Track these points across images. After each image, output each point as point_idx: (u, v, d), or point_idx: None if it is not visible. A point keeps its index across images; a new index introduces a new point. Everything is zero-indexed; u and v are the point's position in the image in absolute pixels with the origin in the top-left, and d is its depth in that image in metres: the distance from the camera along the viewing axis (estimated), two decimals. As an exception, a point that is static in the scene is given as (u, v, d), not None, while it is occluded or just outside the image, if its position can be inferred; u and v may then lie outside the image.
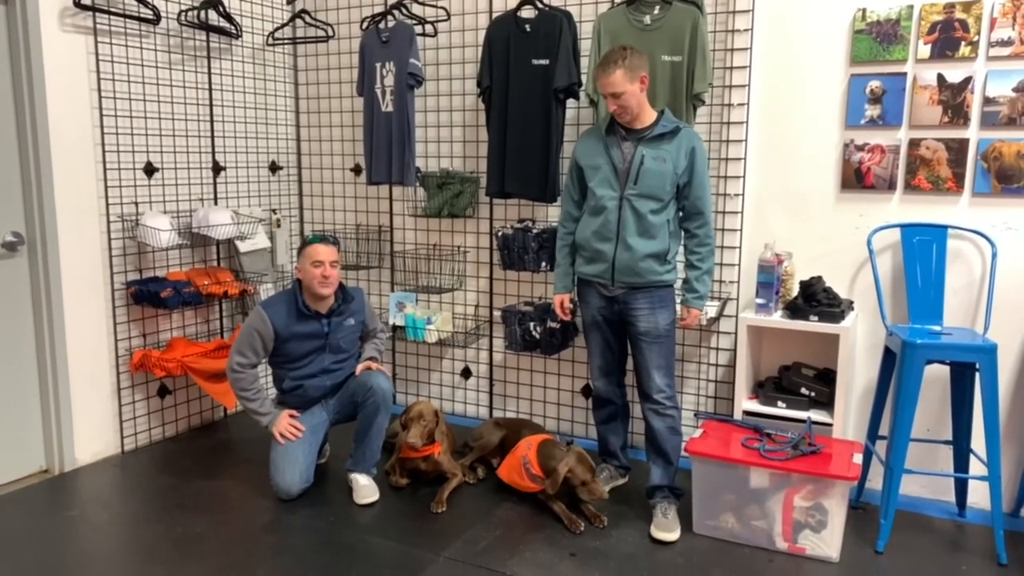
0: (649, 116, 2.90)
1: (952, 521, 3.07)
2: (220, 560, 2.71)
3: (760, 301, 3.14)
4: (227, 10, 3.90)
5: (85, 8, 3.32)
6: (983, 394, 2.74)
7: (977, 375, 2.82)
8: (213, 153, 4.02)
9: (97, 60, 3.43)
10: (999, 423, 2.77)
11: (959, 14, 2.96)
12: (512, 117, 3.52)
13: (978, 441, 2.98)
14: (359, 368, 3.32)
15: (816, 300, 3.07)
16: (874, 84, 3.13)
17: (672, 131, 2.87)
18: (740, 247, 3.44)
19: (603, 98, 2.86)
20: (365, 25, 3.93)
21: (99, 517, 3.05)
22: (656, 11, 3.19)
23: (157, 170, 3.73)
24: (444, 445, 3.34)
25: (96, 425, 3.60)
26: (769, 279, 3.12)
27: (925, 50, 3.03)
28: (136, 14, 3.52)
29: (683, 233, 2.99)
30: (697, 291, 2.95)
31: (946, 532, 2.98)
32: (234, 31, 3.98)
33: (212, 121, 4.01)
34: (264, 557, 2.74)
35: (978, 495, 3.11)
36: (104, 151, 3.50)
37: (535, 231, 3.60)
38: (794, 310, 3.09)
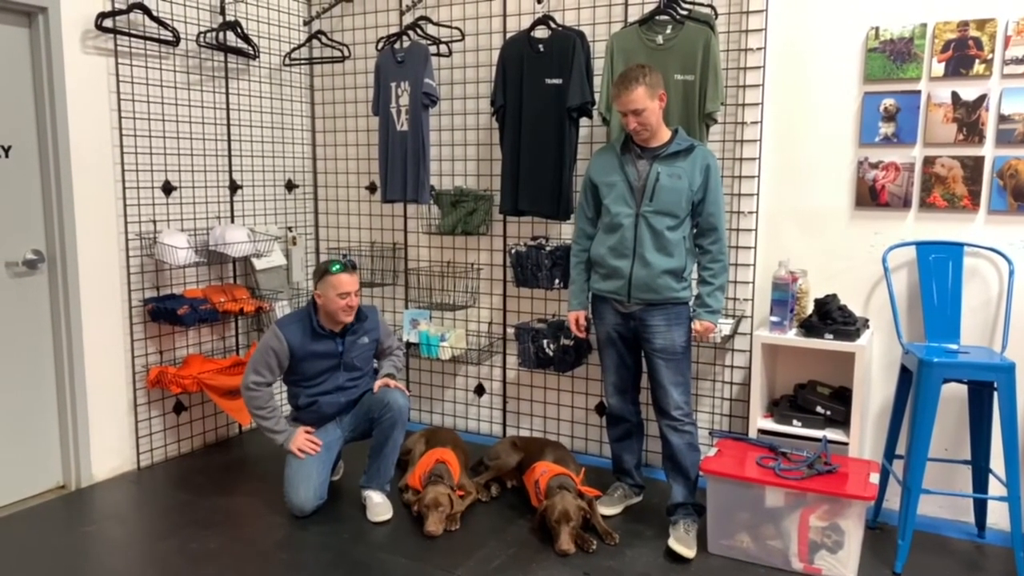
0: (665, 134, 2.92)
1: (971, 542, 3.03)
2: (234, 577, 2.72)
3: (775, 319, 3.13)
4: (245, 31, 3.96)
5: (107, 30, 3.38)
6: (1001, 413, 2.71)
7: (995, 394, 2.79)
8: (230, 172, 4.07)
9: (118, 81, 3.49)
10: (1018, 443, 2.74)
11: (973, 32, 2.96)
12: (525, 136, 3.55)
13: (997, 461, 2.95)
14: (377, 385, 3.33)
15: (831, 318, 3.05)
16: (888, 102, 3.13)
17: (687, 149, 2.89)
18: (754, 264, 3.44)
19: (622, 116, 2.88)
20: (381, 45, 3.97)
21: (115, 533, 3.07)
22: (668, 30, 3.21)
23: (175, 189, 3.78)
24: (459, 462, 3.34)
25: (113, 441, 3.62)
26: (784, 297, 3.11)
27: (939, 68, 3.03)
28: (156, 36, 3.59)
29: (697, 250, 2.99)
30: (709, 306, 2.94)
31: (965, 553, 2.94)
32: (252, 52, 4.03)
33: (229, 140, 4.06)
34: (277, 574, 2.74)
35: (998, 516, 3.07)
36: (123, 170, 3.55)
37: (548, 248, 3.61)
38: (809, 328, 3.08)
